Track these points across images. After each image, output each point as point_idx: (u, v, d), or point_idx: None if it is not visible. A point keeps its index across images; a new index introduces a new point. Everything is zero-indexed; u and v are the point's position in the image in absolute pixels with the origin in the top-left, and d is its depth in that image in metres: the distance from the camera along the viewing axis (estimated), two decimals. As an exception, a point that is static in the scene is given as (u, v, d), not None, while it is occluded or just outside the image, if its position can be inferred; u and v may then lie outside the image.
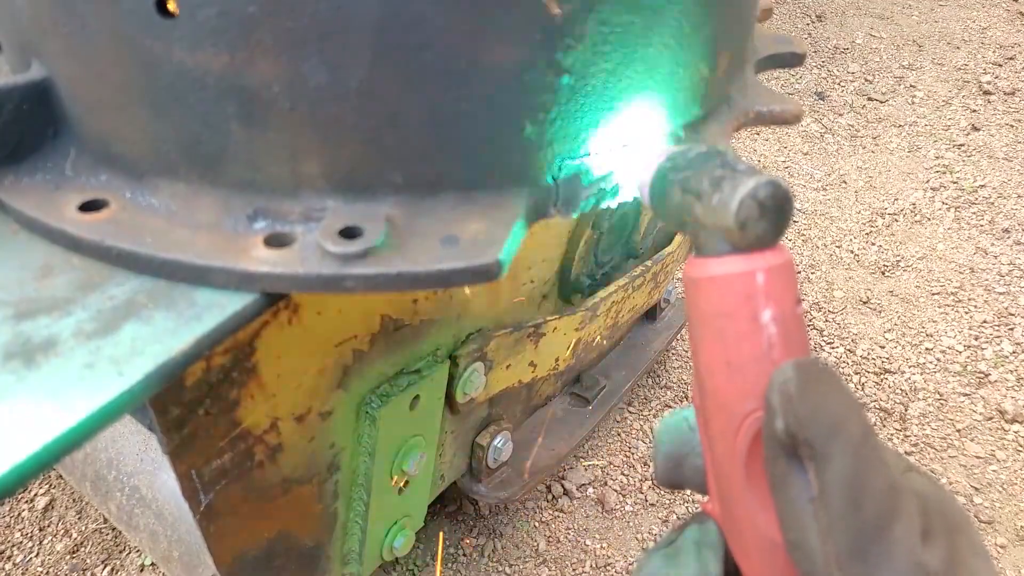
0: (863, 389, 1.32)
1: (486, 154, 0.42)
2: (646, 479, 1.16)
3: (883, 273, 1.53)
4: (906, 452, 1.24)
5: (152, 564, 1.05)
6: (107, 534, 1.08)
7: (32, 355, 0.38)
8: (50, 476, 1.16)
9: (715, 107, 0.51)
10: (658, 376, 1.30)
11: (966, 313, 1.46)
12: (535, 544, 1.08)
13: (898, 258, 1.57)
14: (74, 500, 1.12)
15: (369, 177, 0.42)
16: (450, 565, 1.04)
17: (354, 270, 0.39)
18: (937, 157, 1.83)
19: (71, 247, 0.43)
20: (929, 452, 1.24)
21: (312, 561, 0.77)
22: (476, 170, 0.42)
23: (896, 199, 1.71)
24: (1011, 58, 2.19)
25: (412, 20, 0.37)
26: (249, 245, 0.41)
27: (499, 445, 0.96)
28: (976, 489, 1.19)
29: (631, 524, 1.12)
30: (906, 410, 1.29)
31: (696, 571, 0.31)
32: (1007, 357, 1.39)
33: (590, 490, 1.16)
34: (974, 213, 1.69)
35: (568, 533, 1.10)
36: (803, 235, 1.60)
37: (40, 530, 1.09)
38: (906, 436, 1.26)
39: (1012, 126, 1.94)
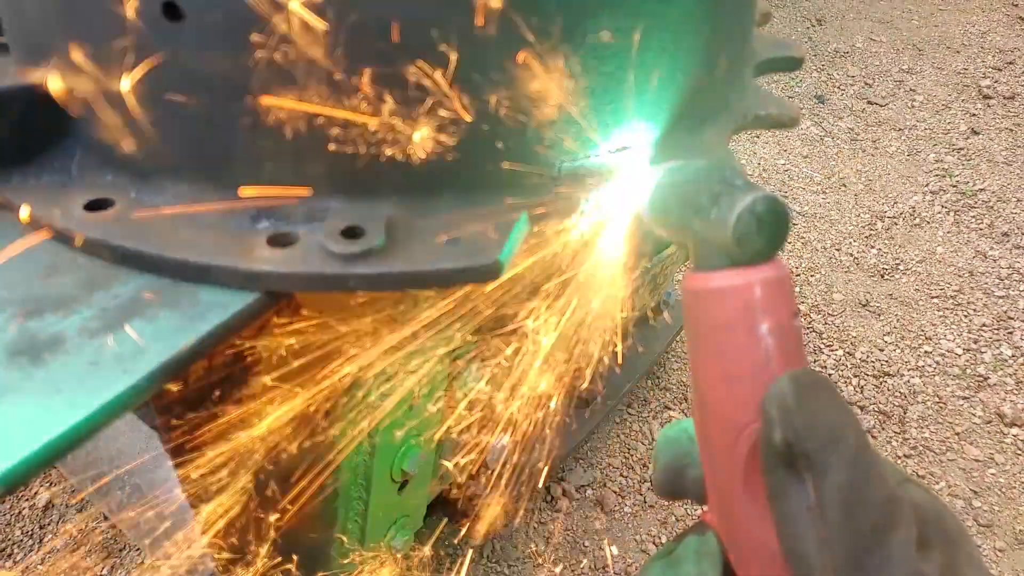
0: (862, 392, 1.32)
1: (491, 158, 0.43)
2: (645, 481, 1.16)
3: (882, 276, 1.54)
4: (905, 455, 1.24)
5: (151, 562, 1.05)
6: (107, 532, 1.08)
7: (38, 352, 0.38)
8: (50, 474, 1.17)
9: (714, 110, 0.52)
10: (657, 378, 1.30)
11: (965, 316, 1.47)
12: (534, 545, 1.09)
13: (897, 261, 1.57)
14: (75, 498, 1.13)
15: (371, 178, 0.42)
16: (449, 565, 1.04)
17: (356, 269, 0.40)
18: (937, 161, 1.84)
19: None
20: (928, 455, 1.24)
21: (313, 559, 0.77)
22: (477, 171, 0.43)
23: (895, 202, 1.71)
24: (1011, 63, 2.20)
25: (411, 24, 0.37)
26: (253, 245, 0.42)
27: (498, 446, 0.96)
28: (975, 492, 1.19)
29: (630, 525, 1.12)
30: (905, 413, 1.30)
31: None
32: (1006, 361, 1.39)
33: (589, 491, 1.16)
34: (973, 217, 1.69)
35: (567, 534, 1.10)
36: (802, 238, 1.61)
37: (40, 528, 1.10)
38: (905, 439, 1.26)
39: (1011, 130, 1.94)
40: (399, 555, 0.84)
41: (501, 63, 0.40)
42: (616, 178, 0.46)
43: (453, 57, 0.39)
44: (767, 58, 0.60)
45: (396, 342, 0.54)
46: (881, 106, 1.99)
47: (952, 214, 1.70)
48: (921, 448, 1.25)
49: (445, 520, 1.03)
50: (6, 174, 0.46)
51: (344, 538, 0.79)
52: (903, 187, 1.76)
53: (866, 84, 2.07)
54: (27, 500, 1.14)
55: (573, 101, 0.43)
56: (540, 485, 1.14)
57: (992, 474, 1.22)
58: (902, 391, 1.33)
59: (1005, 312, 1.48)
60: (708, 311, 0.31)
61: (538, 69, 0.41)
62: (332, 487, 0.74)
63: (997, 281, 1.54)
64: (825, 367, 1.36)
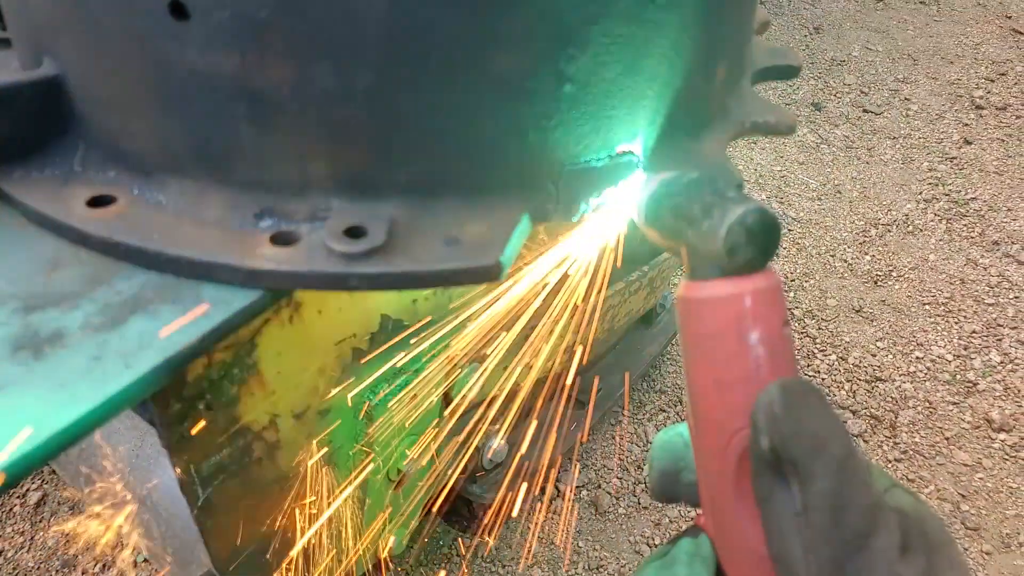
0: (855, 396, 1.33)
1: (489, 158, 0.43)
2: (639, 482, 1.17)
3: (876, 283, 1.55)
4: (896, 459, 1.25)
5: (145, 561, 1.05)
6: (99, 529, 1.08)
7: (40, 347, 0.39)
8: (43, 472, 1.16)
9: (713, 117, 0.52)
10: (653, 380, 1.31)
11: (956, 323, 1.48)
12: (528, 545, 1.09)
13: (891, 268, 1.59)
14: (67, 496, 1.12)
15: (374, 178, 0.43)
16: (444, 565, 1.04)
17: (358, 269, 0.40)
18: (930, 169, 1.85)
19: (79, 242, 0.44)
20: (918, 459, 1.25)
21: (309, 558, 0.77)
22: (479, 173, 0.43)
23: (889, 210, 1.73)
24: (1003, 74, 2.22)
25: (419, 27, 0.38)
26: (255, 243, 0.42)
27: (494, 446, 0.96)
28: (963, 496, 1.21)
29: (624, 527, 1.13)
30: (896, 418, 1.31)
31: None
32: (995, 367, 1.40)
33: (584, 492, 1.17)
34: (965, 225, 1.71)
35: (561, 535, 1.11)
36: (798, 244, 1.62)
37: (32, 525, 1.10)
38: (896, 443, 1.27)
39: (1003, 140, 1.96)
40: (394, 553, 0.84)
41: (503, 68, 0.40)
42: (617, 181, 0.47)
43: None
44: (765, 66, 0.61)
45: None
46: (876, 114, 2.01)
47: (944, 222, 1.71)
48: (911, 452, 1.26)
49: (443, 521, 1.03)
50: (8, 169, 0.46)
51: (341, 536, 0.79)
52: (897, 195, 1.77)
53: (862, 92, 2.08)
54: (19, 498, 1.14)
55: (575, 107, 0.43)
56: (536, 486, 1.15)
57: (980, 478, 1.23)
58: (893, 396, 1.34)
59: (995, 319, 1.49)
60: (700, 319, 0.32)
61: (541, 76, 0.41)
62: (328, 484, 0.74)
63: (987, 289, 1.56)
64: (819, 372, 1.37)
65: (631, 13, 0.41)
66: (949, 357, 1.42)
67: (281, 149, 0.42)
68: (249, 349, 0.58)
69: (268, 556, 0.72)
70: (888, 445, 1.27)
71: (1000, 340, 1.46)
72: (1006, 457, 1.27)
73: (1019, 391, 1.37)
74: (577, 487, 1.17)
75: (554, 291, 0.97)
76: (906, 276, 1.57)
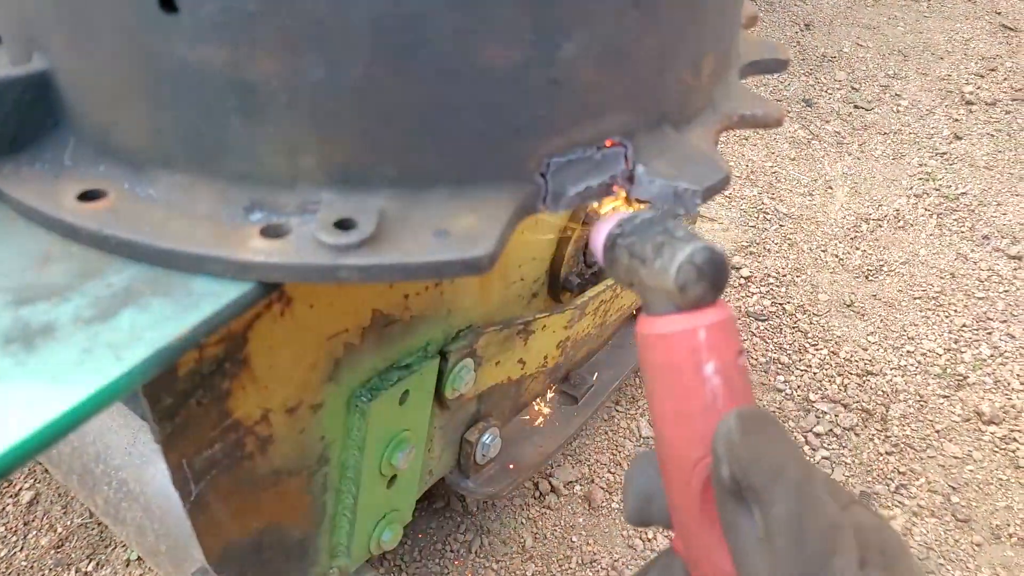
0: (846, 390, 1.34)
1: (478, 150, 0.43)
2: (631, 477, 1.17)
3: (867, 277, 1.56)
4: (887, 452, 1.26)
5: (138, 559, 1.05)
6: (92, 528, 1.08)
7: (31, 339, 0.39)
8: (35, 470, 1.16)
9: (700, 110, 0.53)
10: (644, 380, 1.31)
11: (946, 317, 1.49)
12: (522, 540, 1.09)
13: (882, 263, 1.59)
14: (59, 494, 1.12)
15: (364, 170, 0.43)
16: (437, 561, 1.05)
17: (348, 261, 0.40)
18: (920, 165, 1.87)
19: (70, 236, 0.44)
20: (909, 452, 1.26)
21: (301, 553, 0.77)
22: (468, 165, 0.44)
23: (880, 205, 1.74)
24: (993, 69, 2.23)
25: (409, 18, 0.38)
26: (246, 235, 0.42)
27: (487, 441, 0.97)
28: (953, 488, 1.21)
29: (617, 521, 1.13)
30: (887, 411, 1.32)
31: None
32: (985, 360, 1.41)
33: (577, 487, 1.17)
34: (955, 220, 1.72)
35: (555, 530, 1.11)
36: (789, 239, 1.63)
37: (24, 524, 1.09)
38: (887, 437, 1.28)
39: (992, 136, 1.97)
40: (386, 549, 0.84)
41: (493, 59, 0.41)
42: (606, 173, 0.47)
43: (445, 52, 0.39)
44: (753, 60, 0.61)
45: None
46: (867, 110, 2.02)
47: (935, 217, 1.72)
48: (902, 446, 1.27)
49: (438, 516, 1.03)
50: (-2, 164, 0.46)
51: (332, 532, 0.79)
52: (888, 190, 1.78)
53: (852, 88, 2.09)
54: (11, 496, 1.14)
55: (564, 99, 0.43)
56: (529, 481, 1.15)
57: (970, 471, 1.24)
58: (884, 390, 1.35)
59: (984, 313, 1.50)
60: (657, 354, 0.33)
61: (530, 67, 0.42)
62: (322, 480, 0.74)
63: (977, 283, 1.57)
64: (810, 366, 1.38)
65: (619, 3, 0.41)
66: (939, 351, 1.43)
67: (271, 142, 0.42)
68: (241, 343, 0.58)
69: (263, 552, 0.72)
70: (879, 439, 1.28)
71: (990, 334, 1.47)
72: (996, 449, 1.28)
73: (1009, 384, 1.38)
74: (570, 482, 1.17)
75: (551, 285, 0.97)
76: (897, 271, 1.58)
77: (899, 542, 0.31)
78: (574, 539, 1.10)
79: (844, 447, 1.25)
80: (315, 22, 0.38)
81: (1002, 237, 1.68)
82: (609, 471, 1.18)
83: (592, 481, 1.17)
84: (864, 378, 1.36)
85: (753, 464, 0.29)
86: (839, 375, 1.36)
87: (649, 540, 1.10)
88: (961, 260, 1.62)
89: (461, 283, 0.79)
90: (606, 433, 1.24)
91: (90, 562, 1.05)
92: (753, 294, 1.49)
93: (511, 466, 1.02)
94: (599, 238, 0.37)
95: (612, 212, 0.40)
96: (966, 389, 1.37)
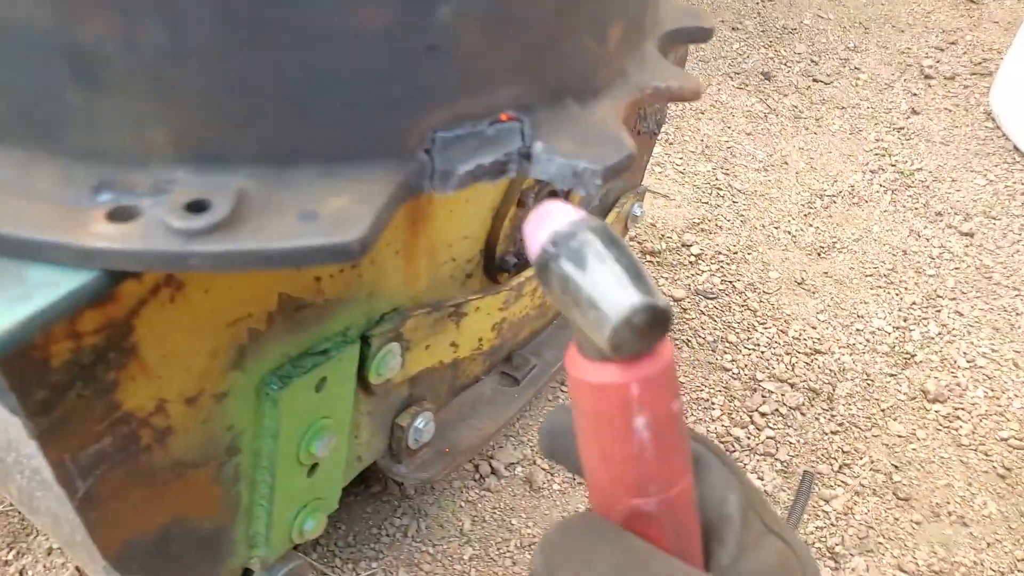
0: (793, 369, 1.33)
1: (349, 124, 0.40)
2: (574, 459, 1.15)
3: (819, 255, 1.55)
4: (832, 431, 1.26)
5: (59, 548, 1.01)
6: (13, 516, 1.04)
7: None
8: (-44, 456, 1.11)
9: (608, 82, 0.49)
10: (591, 355, 1.29)
11: (896, 295, 1.49)
12: (460, 524, 1.07)
13: (834, 240, 1.58)
14: (-22, 482, 1.07)
15: (220, 147, 0.39)
16: (372, 545, 1.02)
17: (198, 247, 0.37)
18: (877, 140, 1.85)
19: None
20: (854, 431, 1.26)
21: (214, 545, 0.74)
22: (339, 140, 0.40)
23: (835, 181, 1.72)
24: (953, 43, 2.22)
25: (251, -24, 0.34)
26: (90, 219, 0.38)
27: (420, 426, 0.94)
28: (896, 467, 1.22)
29: (558, 503, 1.12)
30: (834, 390, 1.31)
31: None
32: (933, 339, 1.41)
33: (518, 469, 1.15)
34: (910, 196, 1.71)
35: (494, 512, 1.09)
36: (742, 215, 1.61)
37: (-58, 513, 1.05)
38: (832, 416, 1.28)
39: (950, 110, 1.97)
40: (309, 538, 0.81)
41: (358, 21, 0.37)
42: (500, 150, 0.44)
43: (302, 15, 0.35)
44: (674, 28, 0.57)
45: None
46: (826, 84, 2.00)
47: (889, 193, 1.71)
48: (848, 424, 1.27)
49: (373, 501, 1.01)
50: None
51: (249, 523, 0.76)
52: (843, 166, 1.76)
53: (812, 62, 2.07)
54: (-69, 483, 1.09)
55: (443, 66, 0.40)
56: (469, 463, 1.13)
57: (913, 449, 1.24)
58: (832, 368, 1.34)
59: (934, 291, 1.50)
60: (586, 398, 0.31)
61: (403, 30, 0.38)
62: (233, 470, 0.71)
63: (928, 260, 1.56)
64: (758, 345, 1.36)
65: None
66: (888, 329, 1.42)
67: (114, 114, 0.38)
68: (126, 332, 0.54)
69: (169, 546, 0.69)
70: (825, 418, 1.27)
71: (939, 311, 1.47)
72: (939, 428, 1.28)
73: (955, 362, 1.38)
74: (511, 463, 1.15)
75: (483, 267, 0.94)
76: (849, 248, 1.57)
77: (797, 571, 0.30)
78: (514, 522, 1.08)
79: (789, 426, 1.25)
80: (148, -22, 0.34)
81: (955, 213, 1.68)
82: (552, 452, 1.16)
83: (534, 463, 1.15)
84: (812, 357, 1.35)
85: None
86: (787, 354, 1.35)
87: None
88: (914, 237, 1.62)
89: (383, 264, 0.76)
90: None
91: (10, 550, 1.01)
92: (703, 272, 1.47)
93: (447, 450, 0.99)
94: (532, 246, 0.32)
95: (546, 211, 0.34)
96: (913, 367, 1.37)
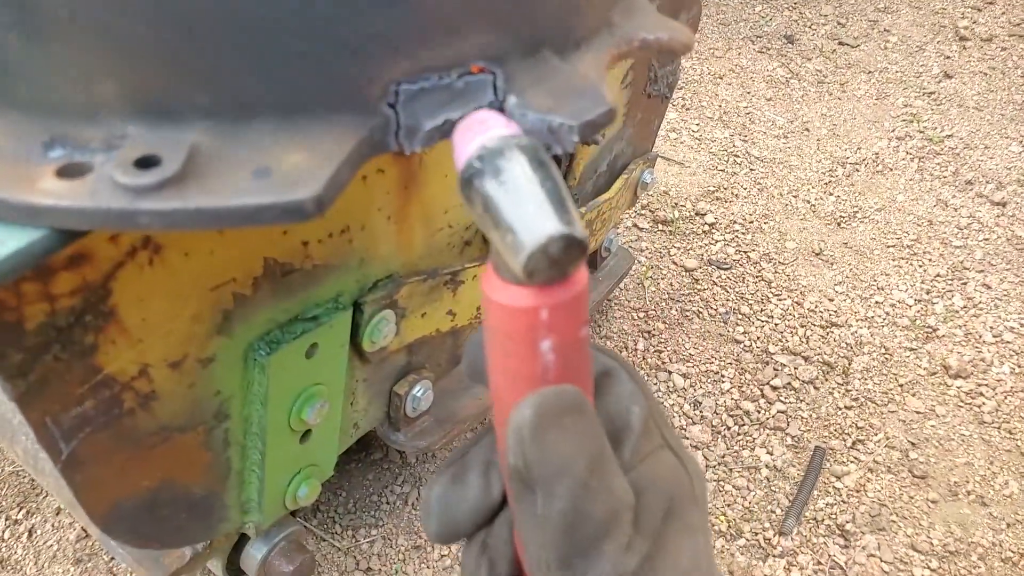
0: (807, 343, 1.30)
1: (304, 74, 0.37)
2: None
3: (839, 224, 1.50)
4: (846, 406, 1.23)
5: (66, 507, 1.03)
6: (23, 476, 1.06)
7: None
8: (-31, 418, 1.13)
9: (592, 33, 0.46)
10: (599, 326, 1.27)
11: (920, 266, 1.44)
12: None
13: (855, 209, 1.53)
14: (-11, 443, 1.09)
15: (171, 100, 0.37)
16: (372, 513, 1.02)
17: (146, 205, 0.35)
18: (906, 105, 1.78)
19: None
20: (869, 407, 1.23)
21: (206, 510, 0.74)
22: (295, 93, 0.38)
23: (859, 148, 1.67)
24: (991, 2, 2.12)
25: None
26: (39, 175, 0.37)
27: (418, 394, 0.93)
28: (913, 444, 1.19)
29: (562, 474, 1.11)
30: (850, 364, 1.28)
31: (480, 491, 0.33)
32: (957, 312, 1.37)
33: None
34: (938, 164, 1.65)
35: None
36: (759, 184, 1.56)
37: (-45, 473, 1.07)
38: (847, 391, 1.25)
39: (986, 74, 1.88)
40: (302, 504, 0.81)
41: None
42: (471, 105, 0.41)
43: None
44: (669, -23, 0.54)
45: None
46: (852, 47, 1.92)
47: (916, 161, 1.65)
48: (863, 400, 1.24)
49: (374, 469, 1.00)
50: None
51: (241, 488, 0.76)
52: (868, 132, 1.70)
53: (839, 24, 1.99)
54: (-53, 444, 1.11)
55: (403, 13, 0.37)
56: (470, 432, 1.12)
57: (932, 426, 1.21)
58: (848, 342, 1.31)
59: (961, 262, 1.45)
60: (496, 317, 0.31)
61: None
62: (222, 435, 0.70)
63: (956, 231, 1.51)
64: (772, 317, 1.33)
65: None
66: (910, 302, 1.38)
67: (60, 65, 0.36)
68: (103, 295, 0.54)
69: (158, 510, 0.69)
70: (839, 392, 1.24)
71: (965, 284, 1.42)
72: (960, 404, 1.25)
73: (980, 337, 1.34)
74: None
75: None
76: (871, 217, 1.52)
77: (687, 493, 0.32)
78: (516, 492, 1.08)
79: (801, 401, 1.22)
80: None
81: (987, 182, 1.62)
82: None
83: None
84: (828, 329, 1.32)
85: (539, 460, 0.28)
86: (802, 326, 1.32)
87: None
88: (941, 206, 1.56)
89: (374, 230, 0.74)
90: (556, 384, 1.20)
91: (20, 510, 1.02)
92: (717, 241, 1.43)
93: (447, 418, 0.98)
94: (458, 157, 0.32)
95: (479, 120, 0.33)
96: (935, 342, 1.33)
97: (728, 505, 1.09)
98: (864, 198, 1.56)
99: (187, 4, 0.34)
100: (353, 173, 0.39)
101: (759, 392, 1.22)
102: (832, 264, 1.42)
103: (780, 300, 1.35)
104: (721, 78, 1.77)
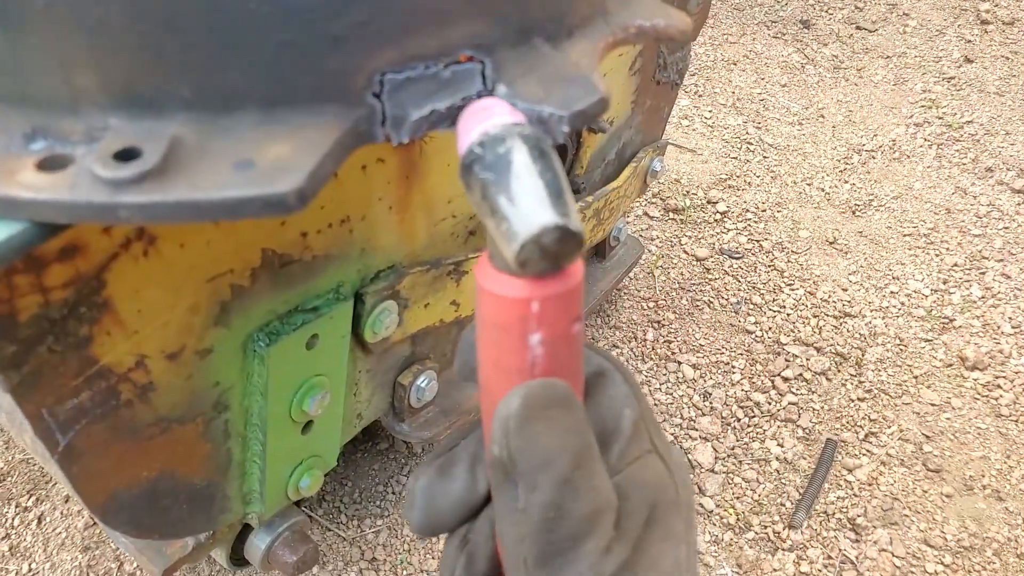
0: (820, 333, 1.28)
1: (287, 64, 0.37)
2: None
3: (853, 213, 1.48)
4: (859, 398, 1.21)
5: (77, 496, 1.04)
6: (34, 464, 1.07)
7: None
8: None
9: (585, 20, 0.45)
10: (607, 316, 1.26)
11: (936, 256, 1.41)
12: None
13: (871, 197, 1.51)
14: (1, 431, 1.11)
15: (152, 91, 0.36)
16: (377, 503, 1.02)
17: (126, 198, 0.34)
18: (924, 91, 1.75)
19: None
20: (883, 398, 1.21)
21: (207, 500, 0.74)
22: (278, 84, 0.37)
23: (875, 135, 1.63)
24: (1015, -14, 2.07)
25: None
26: (19, 167, 0.36)
27: (422, 385, 0.92)
28: (927, 437, 1.17)
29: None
30: (863, 355, 1.26)
31: (465, 485, 0.32)
32: (975, 302, 1.34)
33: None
34: (957, 151, 1.61)
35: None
36: (772, 172, 1.54)
37: (-34, 460, 1.08)
38: (860, 382, 1.23)
39: (1007, 58, 1.84)
40: (305, 495, 0.81)
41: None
42: (458, 95, 0.40)
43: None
44: (670, -39, 0.53)
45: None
46: (870, 31, 1.88)
47: (935, 147, 1.62)
48: (876, 391, 1.22)
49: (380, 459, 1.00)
50: None
51: (243, 480, 0.76)
52: (885, 118, 1.67)
53: (856, 8, 1.95)
54: (-40, 431, 1.12)
55: (386, 1, 0.36)
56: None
57: (947, 419, 1.19)
58: (862, 332, 1.29)
59: (979, 251, 1.42)
60: (488, 307, 0.31)
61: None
62: (222, 426, 0.70)
63: (975, 219, 1.48)
64: (784, 307, 1.31)
65: None
66: (926, 292, 1.36)
67: (38, 56, 0.36)
68: (97, 286, 0.53)
69: (158, 500, 0.69)
70: (852, 384, 1.22)
71: (983, 273, 1.39)
72: (977, 396, 1.23)
73: (998, 328, 1.31)
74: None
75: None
76: (887, 206, 1.49)
77: (671, 500, 0.31)
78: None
79: (813, 392, 1.20)
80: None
81: (1007, 169, 1.58)
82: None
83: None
84: (841, 320, 1.30)
85: (523, 452, 0.28)
86: (814, 317, 1.30)
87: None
88: (959, 194, 1.53)
89: (375, 220, 0.74)
90: (564, 374, 1.20)
91: (30, 497, 1.04)
92: (729, 230, 1.41)
93: (451, 409, 0.98)
94: (461, 143, 0.32)
95: (483, 107, 0.33)
96: (951, 332, 1.30)
97: (737, 498, 1.08)
98: (880, 186, 1.53)
99: (164, -6, 0.34)
100: (338, 165, 0.38)
101: (770, 383, 1.20)
102: (846, 253, 1.40)
103: (792, 290, 1.33)
104: (735, 64, 1.74)
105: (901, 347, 1.28)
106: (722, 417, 1.16)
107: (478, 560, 0.32)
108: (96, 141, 0.37)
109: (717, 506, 1.05)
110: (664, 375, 1.18)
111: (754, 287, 1.33)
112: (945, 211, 1.49)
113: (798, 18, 1.89)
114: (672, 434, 1.12)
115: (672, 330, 1.25)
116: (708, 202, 1.46)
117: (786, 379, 1.21)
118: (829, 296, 1.33)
